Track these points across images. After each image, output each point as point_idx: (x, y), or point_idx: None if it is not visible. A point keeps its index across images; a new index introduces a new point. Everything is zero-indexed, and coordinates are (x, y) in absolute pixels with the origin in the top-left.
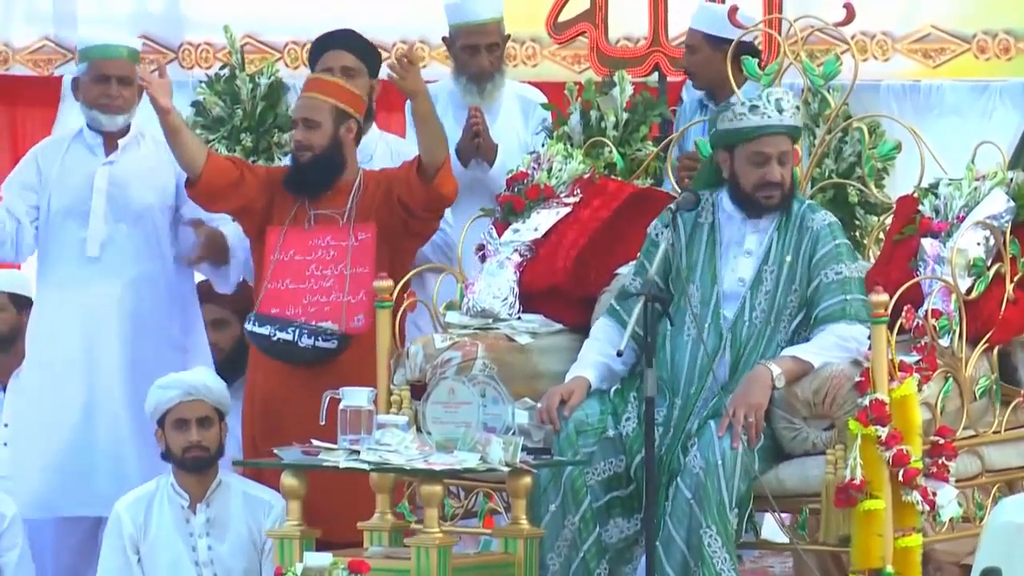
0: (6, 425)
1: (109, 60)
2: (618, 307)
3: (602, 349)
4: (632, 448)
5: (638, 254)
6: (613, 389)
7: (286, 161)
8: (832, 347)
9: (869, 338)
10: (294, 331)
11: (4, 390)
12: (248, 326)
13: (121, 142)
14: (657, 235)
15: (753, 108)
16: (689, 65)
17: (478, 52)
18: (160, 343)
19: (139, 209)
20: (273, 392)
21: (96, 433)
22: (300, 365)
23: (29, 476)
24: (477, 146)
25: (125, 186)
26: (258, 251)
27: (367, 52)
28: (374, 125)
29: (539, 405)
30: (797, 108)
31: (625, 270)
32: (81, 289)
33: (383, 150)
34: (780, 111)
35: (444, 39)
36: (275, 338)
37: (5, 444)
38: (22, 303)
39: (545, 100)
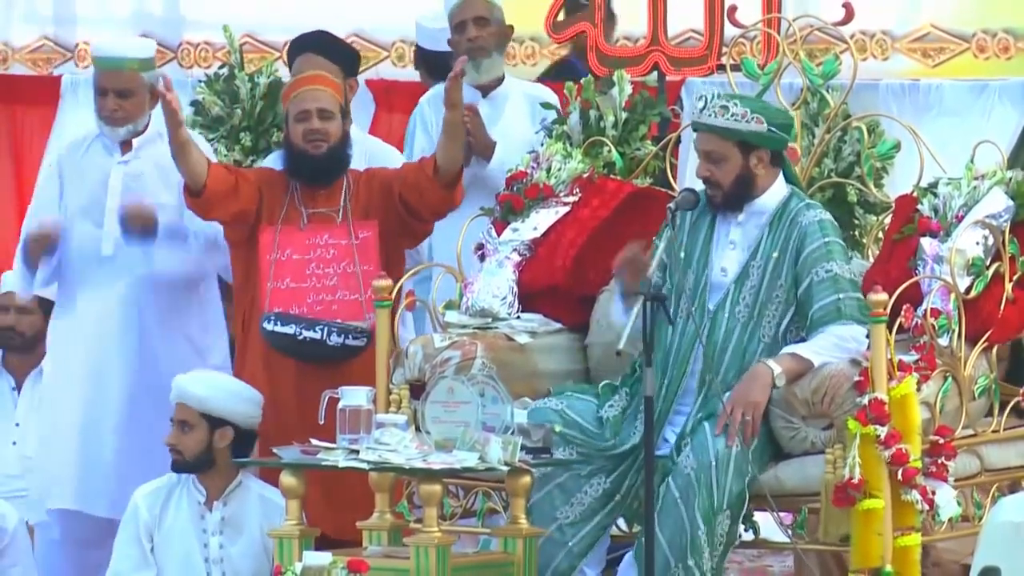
0: (17, 425)
1: (106, 73)
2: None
3: None
4: (614, 429)
5: (654, 238)
6: (603, 384)
7: (267, 161)
8: (831, 347)
9: (867, 337)
10: (322, 329)
11: (19, 390)
12: (268, 325)
13: (136, 142)
14: (663, 228)
15: (700, 97)
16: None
17: (466, 27)
18: (175, 342)
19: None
20: (283, 393)
21: (97, 433)
22: (321, 364)
23: (46, 472)
24: (469, 144)
25: (139, 185)
26: (248, 252)
27: (339, 53)
28: (354, 125)
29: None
30: (747, 116)
31: None
32: (95, 289)
33: (359, 152)
34: (713, 112)
35: (447, 41)
36: (301, 337)
37: (15, 443)
38: (48, 306)
39: (555, 99)
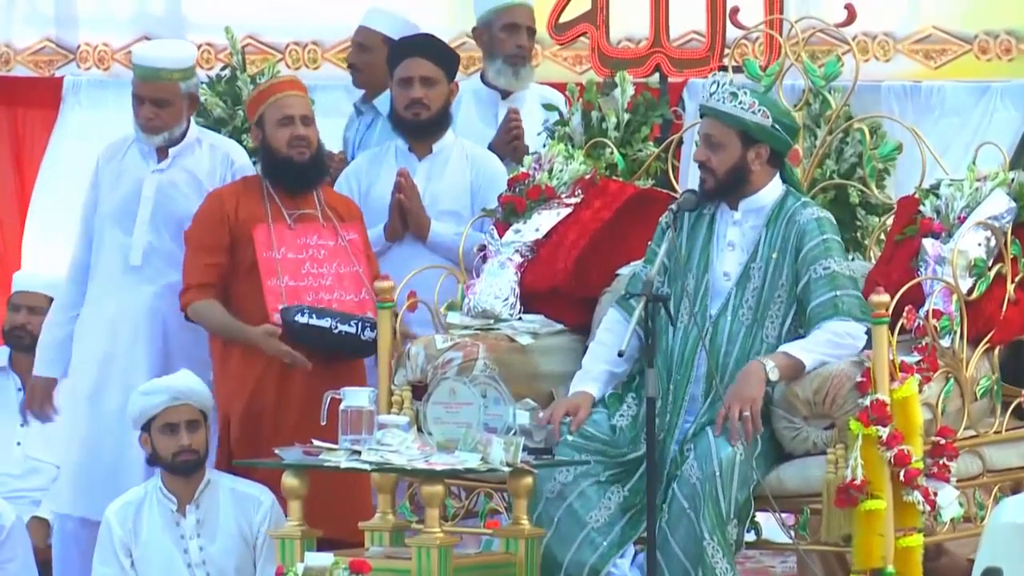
0: (23, 424)
1: (142, 82)
2: (627, 292)
3: (606, 356)
4: (627, 436)
5: (648, 242)
6: (609, 394)
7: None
8: (825, 344)
9: (867, 334)
10: (356, 324)
11: (24, 390)
12: (301, 319)
13: (172, 150)
14: (665, 227)
15: (713, 82)
16: (358, 63)
17: (519, 30)
18: (200, 351)
19: (181, 218)
20: (290, 391)
21: (122, 441)
22: (350, 358)
23: (64, 477)
24: (514, 148)
25: (171, 195)
26: (240, 251)
27: (446, 57)
28: (451, 131)
29: (540, 414)
30: (753, 108)
31: (626, 270)
32: (120, 296)
33: (459, 153)
34: (722, 97)
35: (474, 30)
36: (337, 330)
37: (19, 443)
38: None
39: (562, 100)
